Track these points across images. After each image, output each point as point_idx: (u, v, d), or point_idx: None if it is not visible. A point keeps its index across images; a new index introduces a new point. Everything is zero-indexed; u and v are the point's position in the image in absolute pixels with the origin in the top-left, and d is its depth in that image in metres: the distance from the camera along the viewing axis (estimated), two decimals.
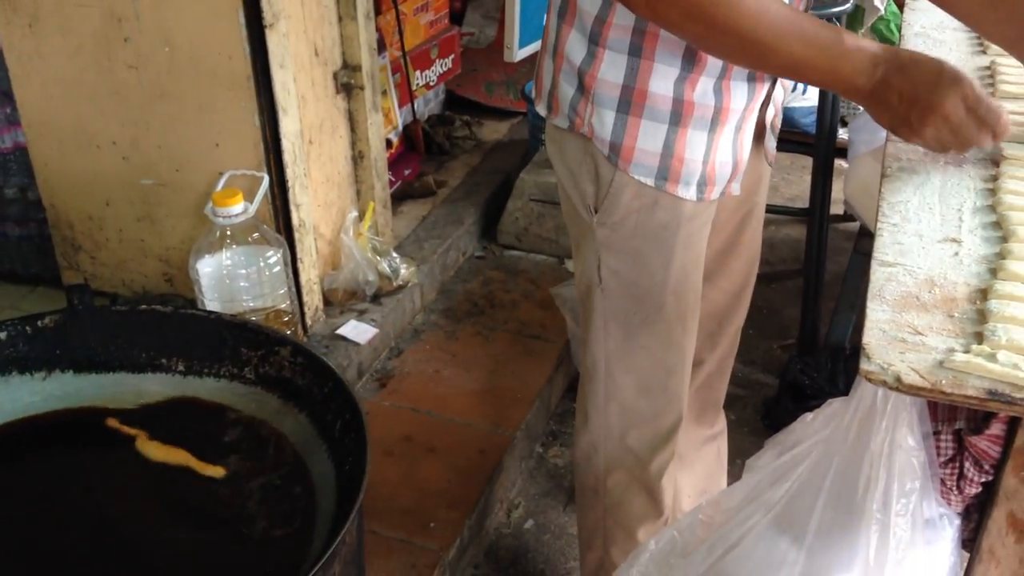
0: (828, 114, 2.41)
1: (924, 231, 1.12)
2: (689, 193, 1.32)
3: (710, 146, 1.31)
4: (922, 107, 1.13)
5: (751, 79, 1.30)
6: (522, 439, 2.23)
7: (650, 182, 1.31)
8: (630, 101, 1.27)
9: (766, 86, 1.34)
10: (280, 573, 1.15)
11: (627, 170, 1.30)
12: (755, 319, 2.63)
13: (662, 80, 1.25)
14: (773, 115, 1.45)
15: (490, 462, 2.10)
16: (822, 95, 2.44)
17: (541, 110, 1.41)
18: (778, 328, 2.76)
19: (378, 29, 2.59)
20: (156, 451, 1.29)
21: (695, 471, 1.82)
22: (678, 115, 1.27)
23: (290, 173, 2.05)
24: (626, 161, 1.30)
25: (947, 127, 1.14)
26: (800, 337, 2.52)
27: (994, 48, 1.56)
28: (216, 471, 1.28)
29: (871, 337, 0.95)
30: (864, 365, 0.92)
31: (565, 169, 1.40)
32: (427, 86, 3.15)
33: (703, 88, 1.26)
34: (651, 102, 1.26)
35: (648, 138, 1.28)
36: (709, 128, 1.29)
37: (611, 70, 1.26)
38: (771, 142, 1.49)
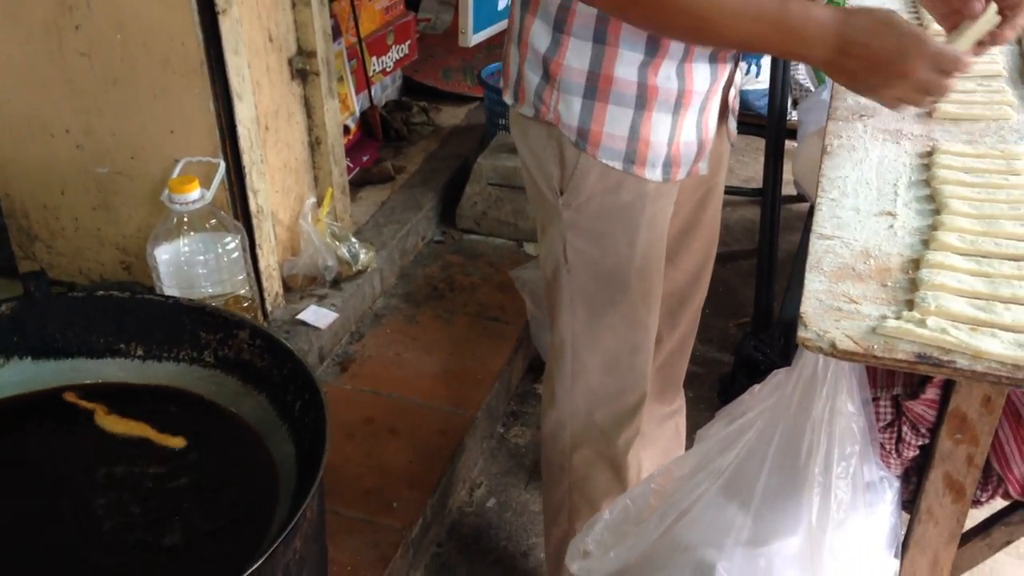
0: (779, 96, 2.45)
1: (861, 205, 1.17)
2: (655, 175, 1.35)
3: (674, 128, 1.34)
4: (887, 73, 1.13)
5: (713, 60, 1.32)
6: (483, 419, 2.26)
7: (618, 166, 1.33)
8: (596, 87, 1.29)
9: (728, 67, 1.37)
10: (242, 550, 1.16)
11: (595, 155, 1.33)
12: (711, 299, 2.66)
13: (626, 66, 1.28)
14: (733, 95, 1.48)
15: (451, 442, 2.13)
16: (773, 78, 2.49)
17: (508, 99, 1.43)
18: (734, 307, 2.82)
19: (333, 15, 2.59)
20: (115, 424, 1.31)
21: (655, 447, 1.86)
22: (643, 99, 1.30)
23: (246, 159, 2.05)
24: (594, 146, 1.32)
25: (913, 88, 1.14)
26: (754, 315, 2.57)
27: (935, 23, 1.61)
28: (176, 442, 1.29)
29: (808, 306, 0.99)
30: (801, 333, 0.96)
31: (530, 154, 1.42)
32: (384, 72, 3.16)
33: (666, 72, 1.29)
34: (617, 87, 1.29)
35: (615, 123, 1.31)
36: (673, 111, 1.32)
37: (576, 57, 1.28)
38: (732, 122, 1.52)
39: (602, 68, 1.28)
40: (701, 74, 1.32)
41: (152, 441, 1.31)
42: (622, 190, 1.36)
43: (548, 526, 1.75)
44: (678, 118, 1.33)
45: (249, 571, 1.02)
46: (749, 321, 2.64)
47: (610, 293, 1.44)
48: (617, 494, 1.63)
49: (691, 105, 1.33)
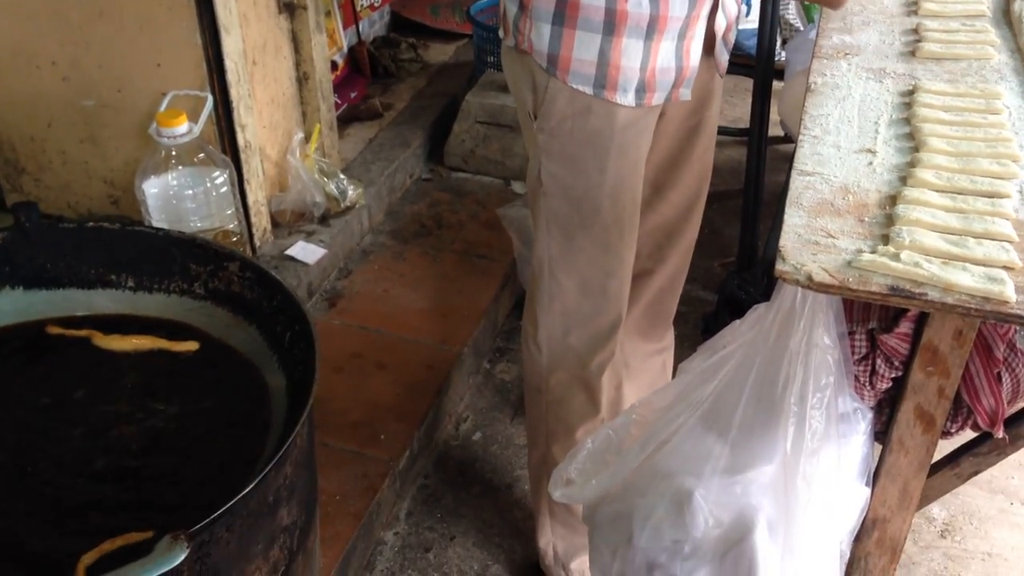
0: (767, 36, 2.45)
1: (842, 142, 1.19)
2: (627, 99, 1.38)
3: (648, 53, 1.36)
4: None
5: None
6: (469, 355, 2.30)
7: (588, 90, 1.37)
8: (564, 13, 1.33)
9: None
10: (235, 474, 1.20)
11: (565, 80, 1.37)
12: (697, 239, 2.70)
13: None
14: (725, 28, 1.48)
15: (438, 377, 2.16)
16: (762, 17, 2.48)
17: (501, 33, 1.48)
18: (719, 247, 2.84)
19: None
20: (120, 343, 1.33)
21: (639, 382, 1.90)
22: (611, 24, 1.32)
23: (234, 93, 2.05)
24: (564, 71, 1.36)
25: None
26: (739, 254, 2.60)
27: None
28: (189, 346, 1.32)
29: (787, 240, 1.02)
30: (779, 266, 0.98)
31: (513, 83, 1.48)
32: (371, 7, 3.13)
33: None
34: (584, 13, 1.32)
35: (583, 48, 1.34)
36: (645, 36, 1.34)
37: None
38: (723, 55, 1.52)
39: None
40: (678, 1, 1.33)
41: (165, 349, 1.33)
42: (591, 115, 1.39)
43: (529, 449, 1.81)
44: (652, 44, 1.35)
45: (242, 494, 1.05)
46: (734, 260, 2.67)
47: (582, 217, 1.48)
48: (591, 417, 1.68)
49: (667, 31, 1.35)
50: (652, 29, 1.34)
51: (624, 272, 1.55)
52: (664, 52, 1.36)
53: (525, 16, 1.37)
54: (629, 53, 1.34)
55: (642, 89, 1.38)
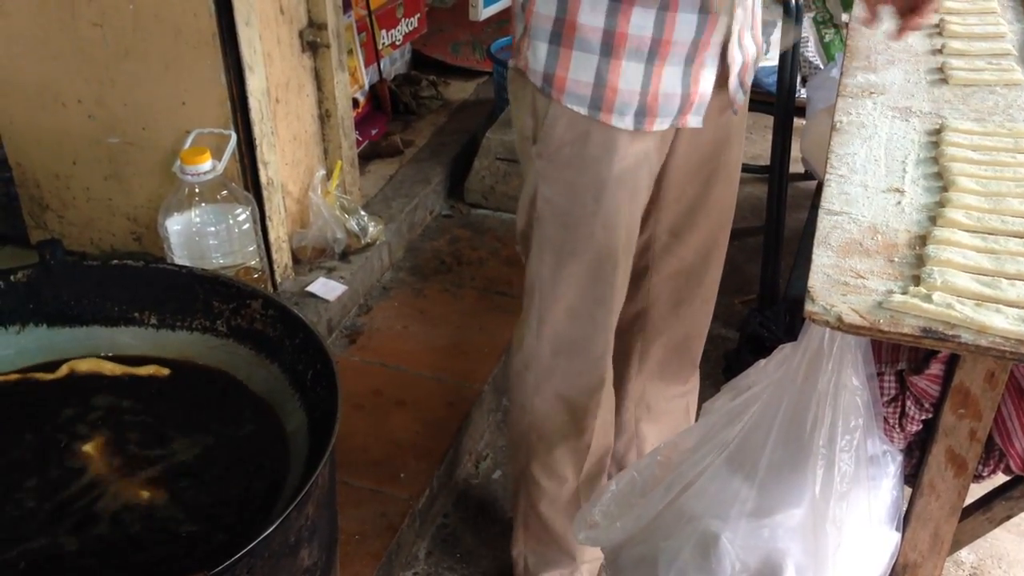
0: (788, 72, 2.45)
1: (869, 182, 1.18)
2: (624, 123, 1.36)
3: (649, 77, 1.34)
4: None
5: (702, 11, 1.31)
6: (489, 393, 2.28)
7: (583, 111, 1.36)
8: (561, 33, 1.32)
9: (723, 19, 1.34)
10: (255, 515, 1.19)
11: (560, 100, 1.36)
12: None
13: (591, 12, 1.30)
14: (741, 66, 1.44)
15: (458, 415, 2.15)
16: (782, 55, 2.48)
17: (512, 58, 1.46)
18: (740, 284, 2.82)
19: None
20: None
21: (661, 423, 1.88)
22: (609, 46, 1.31)
23: (257, 131, 2.06)
24: (559, 91, 1.35)
25: None
26: (760, 292, 2.58)
27: None
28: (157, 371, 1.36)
29: (816, 281, 1.01)
30: (809, 307, 0.97)
31: (514, 105, 1.48)
32: (393, 45, 3.16)
33: (639, 20, 1.29)
34: (580, 33, 1.31)
35: (579, 68, 1.33)
36: (647, 59, 1.32)
37: (545, 4, 1.33)
38: (738, 94, 1.47)
39: (567, 14, 1.31)
40: (686, 24, 1.31)
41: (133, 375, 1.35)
42: (590, 142, 1.38)
43: (510, 459, 1.81)
44: (654, 67, 1.33)
45: (264, 535, 1.04)
46: (755, 298, 2.65)
47: (574, 244, 1.47)
48: (575, 440, 1.66)
49: (671, 55, 1.33)
50: (654, 53, 1.31)
51: (615, 302, 1.54)
52: (668, 77, 1.34)
53: (525, 35, 1.36)
54: (627, 76, 1.32)
55: (642, 113, 1.35)
